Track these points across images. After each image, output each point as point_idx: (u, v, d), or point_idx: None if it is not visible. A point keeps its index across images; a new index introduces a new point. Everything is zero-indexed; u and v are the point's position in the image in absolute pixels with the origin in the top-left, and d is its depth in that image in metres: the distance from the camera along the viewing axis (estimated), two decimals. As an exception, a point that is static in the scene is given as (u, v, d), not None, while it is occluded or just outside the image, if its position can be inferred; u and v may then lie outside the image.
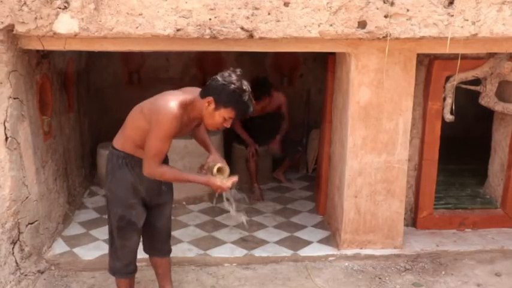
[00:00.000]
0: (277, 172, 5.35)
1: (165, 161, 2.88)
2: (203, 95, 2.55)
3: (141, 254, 3.66)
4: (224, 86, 2.48)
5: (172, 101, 2.49)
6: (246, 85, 2.52)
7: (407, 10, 3.09)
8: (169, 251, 3.07)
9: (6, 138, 3.03)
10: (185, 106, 2.53)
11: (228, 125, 2.58)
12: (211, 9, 3.00)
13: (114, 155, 2.69)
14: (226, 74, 2.52)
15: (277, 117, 5.08)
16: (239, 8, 3.01)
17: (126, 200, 2.69)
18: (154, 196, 2.80)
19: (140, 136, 2.58)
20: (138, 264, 3.56)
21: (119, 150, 2.68)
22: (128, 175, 2.66)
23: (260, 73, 6.03)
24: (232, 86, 2.47)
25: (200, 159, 4.64)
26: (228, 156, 5.14)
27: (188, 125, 2.65)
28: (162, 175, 2.57)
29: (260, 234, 4.05)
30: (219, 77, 2.52)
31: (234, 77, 2.50)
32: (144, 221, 2.84)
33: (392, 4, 3.07)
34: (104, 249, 3.69)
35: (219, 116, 2.53)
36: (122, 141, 2.69)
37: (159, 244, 3.01)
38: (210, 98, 2.50)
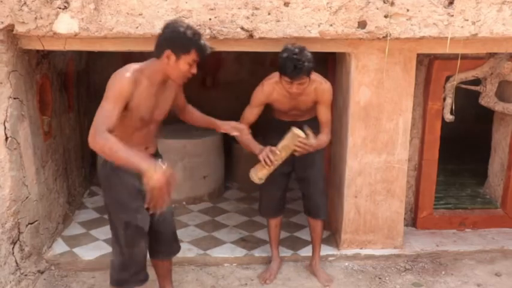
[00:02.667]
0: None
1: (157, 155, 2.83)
2: (158, 53, 2.43)
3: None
4: (173, 32, 2.39)
5: (123, 68, 2.42)
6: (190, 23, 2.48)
7: (407, 10, 3.09)
8: (179, 248, 3.01)
9: (6, 138, 3.03)
10: (140, 71, 2.44)
11: (195, 70, 2.46)
12: (211, 9, 3.00)
13: (105, 160, 2.50)
14: (168, 23, 2.46)
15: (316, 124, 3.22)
16: (239, 8, 3.01)
17: (129, 204, 2.56)
18: None
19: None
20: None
21: None
22: (126, 177, 2.50)
23: (261, 71, 6.05)
24: (180, 28, 2.38)
25: (200, 159, 4.69)
26: (228, 156, 5.14)
27: (157, 93, 2.49)
28: (103, 144, 2.15)
29: (260, 234, 4.05)
30: (163, 29, 2.44)
31: (175, 22, 2.44)
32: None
33: (392, 4, 3.07)
34: (104, 249, 3.69)
35: (184, 65, 2.41)
36: None
37: (164, 247, 2.90)
38: (168, 51, 2.39)
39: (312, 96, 3.10)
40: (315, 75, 3.05)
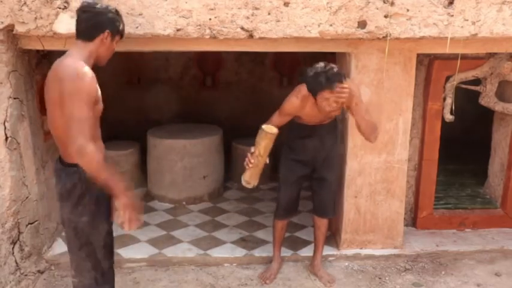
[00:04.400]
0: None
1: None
2: (94, 35, 2.35)
3: (141, 254, 3.68)
4: (110, 13, 2.41)
5: (80, 66, 2.22)
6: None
7: (407, 10, 3.09)
8: None
9: (6, 138, 3.03)
10: (87, 61, 2.32)
11: (114, 47, 2.48)
12: (211, 9, 3.00)
13: (76, 172, 2.27)
14: (88, 4, 2.43)
15: (334, 127, 3.32)
16: (239, 8, 3.01)
17: (109, 209, 2.35)
18: None
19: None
20: (137, 264, 3.59)
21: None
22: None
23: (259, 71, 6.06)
24: (112, 9, 2.43)
25: (200, 159, 4.70)
26: (228, 156, 5.14)
27: None
28: (92, 156, 2.12)
29: (260, 234, 4.05)
30: (95, 11, 2.37)
31: (98, 4, 2.42)
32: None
33: (392, 4, 3.07)
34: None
35: (114, 44, 2.47)
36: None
37: None
38: (107, 32, 2.37)
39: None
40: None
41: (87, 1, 2.50)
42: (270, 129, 2.93)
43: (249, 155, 3.00)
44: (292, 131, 3.29)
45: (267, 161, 3.03)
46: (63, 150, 2.33)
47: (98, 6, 2.41)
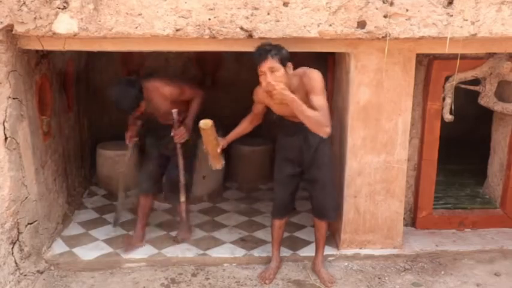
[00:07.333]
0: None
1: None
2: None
3: (140, 254, 3.67)
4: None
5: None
6: None
7: (407, 10, 3.09)
8: None
9: (6, 138, 3.03)
10: None
11: None
12: (211, 9, 3.00)
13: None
14: None
15: None
16: (238, 8, 3.01)
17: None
18: None
19: None
20: (136, 264, 3.58)
21: None
22: None
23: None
24: None
25: (199, 159, 4.68)
26: (227, 156, 5.12)
27: None
28: None
29: (259, 234, 4.05)
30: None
31: None
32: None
33: (391, 4, 3.07)
34: (104, 249, 3.70)
35: None
36: None
37: None
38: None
39: (302, 90, 2.96)
40: (300, 69, 3.04)
41: None
42: (203, 125, 3.15)
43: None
44: (280, 129, 3.30)
45: (218, 150, 3.34)
46: None
47: None
